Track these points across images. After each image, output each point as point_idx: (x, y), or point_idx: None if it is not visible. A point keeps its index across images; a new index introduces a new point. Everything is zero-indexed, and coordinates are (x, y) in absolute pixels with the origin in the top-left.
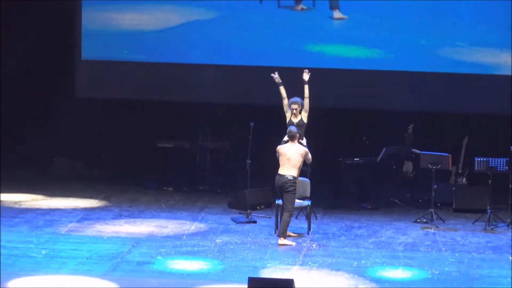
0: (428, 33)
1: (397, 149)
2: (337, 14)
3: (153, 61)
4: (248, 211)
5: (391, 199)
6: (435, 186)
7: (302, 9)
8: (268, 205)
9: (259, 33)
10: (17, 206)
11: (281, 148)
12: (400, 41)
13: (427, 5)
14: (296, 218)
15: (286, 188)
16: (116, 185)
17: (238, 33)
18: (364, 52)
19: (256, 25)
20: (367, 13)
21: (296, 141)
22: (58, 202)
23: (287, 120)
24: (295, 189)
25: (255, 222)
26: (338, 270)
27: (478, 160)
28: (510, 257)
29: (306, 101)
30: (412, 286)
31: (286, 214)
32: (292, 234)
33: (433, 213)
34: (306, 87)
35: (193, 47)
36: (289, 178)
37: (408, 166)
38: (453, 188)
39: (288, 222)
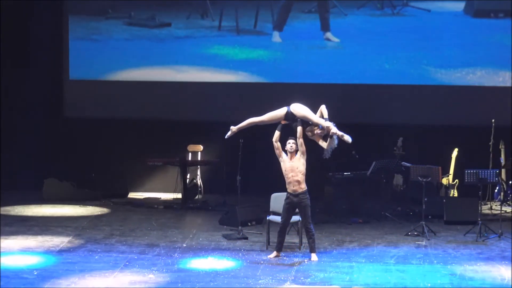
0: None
1: (387, 163)
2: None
3: (143, 79)
4: (239, 227)
5: (382, 213)
6: (425, 199)
7: None
8: (259, 221)
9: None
10: (7, 228)
11: None
12: (389, 56)
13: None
14: (287, 234)
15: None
16: (106, 204)
17: None
18: (352, 66)
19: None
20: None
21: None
22: (49, 223)
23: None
24: (285, 199)
25: (246, 238)
26: (330, 284)
27: (468, 172)
28: (502, 268)
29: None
30: None
31: None
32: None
33: (424, 225)
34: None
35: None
36: None
37: (398, 179)
38: (444, 201)
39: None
